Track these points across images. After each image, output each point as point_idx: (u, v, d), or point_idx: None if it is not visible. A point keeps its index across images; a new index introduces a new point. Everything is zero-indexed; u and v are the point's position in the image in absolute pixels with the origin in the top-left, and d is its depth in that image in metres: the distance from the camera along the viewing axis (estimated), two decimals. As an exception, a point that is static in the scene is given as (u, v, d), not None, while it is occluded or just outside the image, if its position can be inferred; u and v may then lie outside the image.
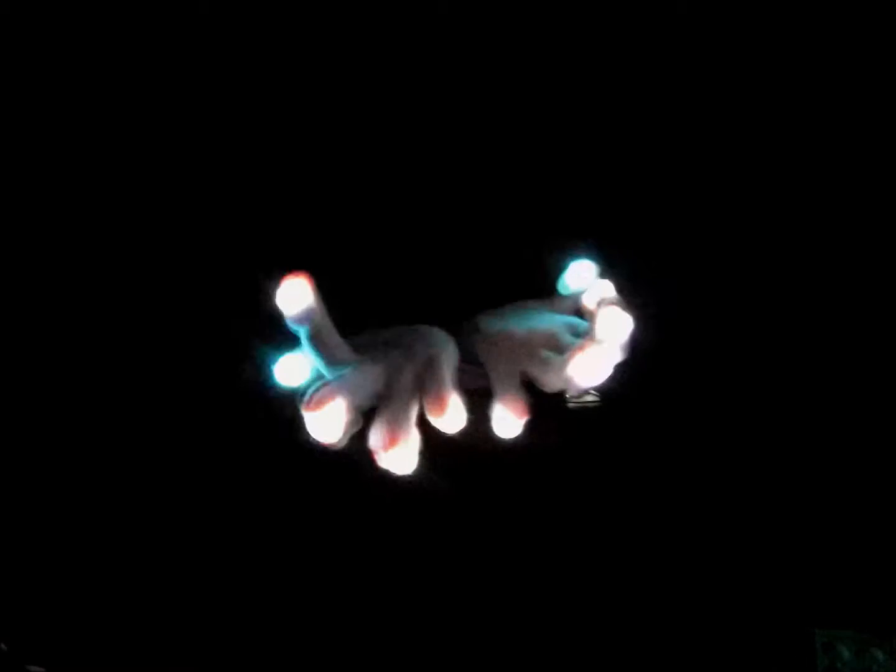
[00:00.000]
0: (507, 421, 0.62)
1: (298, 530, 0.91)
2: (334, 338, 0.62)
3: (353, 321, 0.75)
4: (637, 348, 0.70)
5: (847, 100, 1.07)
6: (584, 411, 0.96)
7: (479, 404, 0.64)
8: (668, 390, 0.96)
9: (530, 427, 0.66)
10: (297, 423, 0.60)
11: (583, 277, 0.73)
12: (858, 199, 1.05)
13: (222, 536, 0.92)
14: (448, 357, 0.64)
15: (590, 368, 0.62)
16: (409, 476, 0.62)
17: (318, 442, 0.60)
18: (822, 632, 0.87)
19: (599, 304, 0.65)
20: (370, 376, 0.62)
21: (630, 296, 0.70)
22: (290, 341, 0.63)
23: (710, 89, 1.09)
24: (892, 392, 0.97)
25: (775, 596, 0.89)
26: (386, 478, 0.63)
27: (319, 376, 0.62)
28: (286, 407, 0.63)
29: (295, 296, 0.59)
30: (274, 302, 0.60)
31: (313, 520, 0.91)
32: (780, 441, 0.97)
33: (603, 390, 0.71)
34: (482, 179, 1.02)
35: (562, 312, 0.73)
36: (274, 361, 0.66)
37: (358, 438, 0.62)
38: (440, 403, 0.59)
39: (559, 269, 0.76)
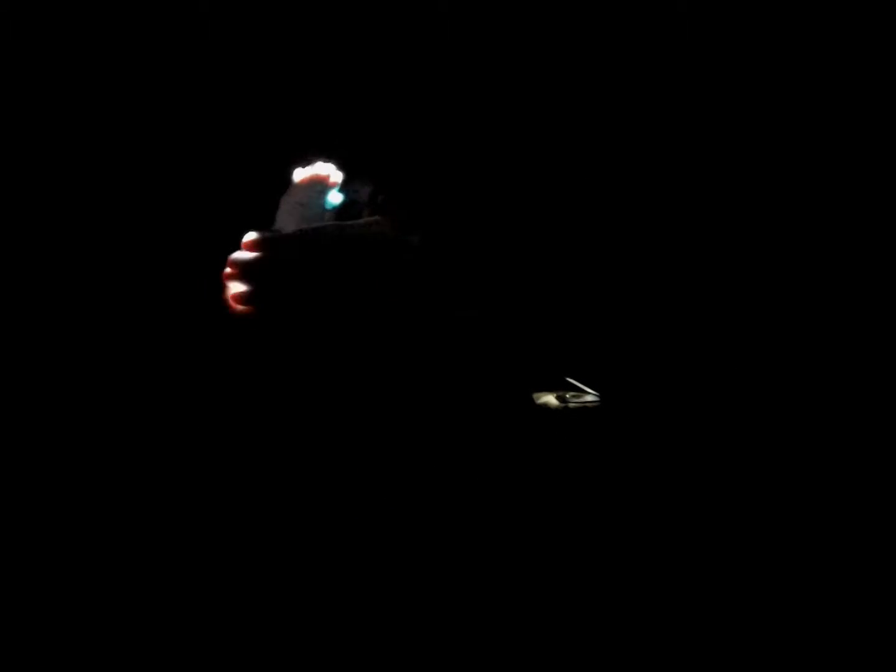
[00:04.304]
0: None
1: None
2: None
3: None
4: (636, 349, 0.70)
5: (846, 100, 1.07)
6: (584, 411, 0.96)
7: None
8: (668, 390, 0.96)
9: None
10: None
11: None
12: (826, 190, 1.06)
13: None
14: None
15: None
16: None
17: None
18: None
19: None
20: None
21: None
22: None
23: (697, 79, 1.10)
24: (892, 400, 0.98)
25: (774, 596, 0.90)
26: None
27: None
28: None
29: None
30: None
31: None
32: (779, 441, 0.97)
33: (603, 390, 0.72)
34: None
35: None
36: None
37: None
38: None
39: None
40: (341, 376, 0.91)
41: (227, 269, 0.83)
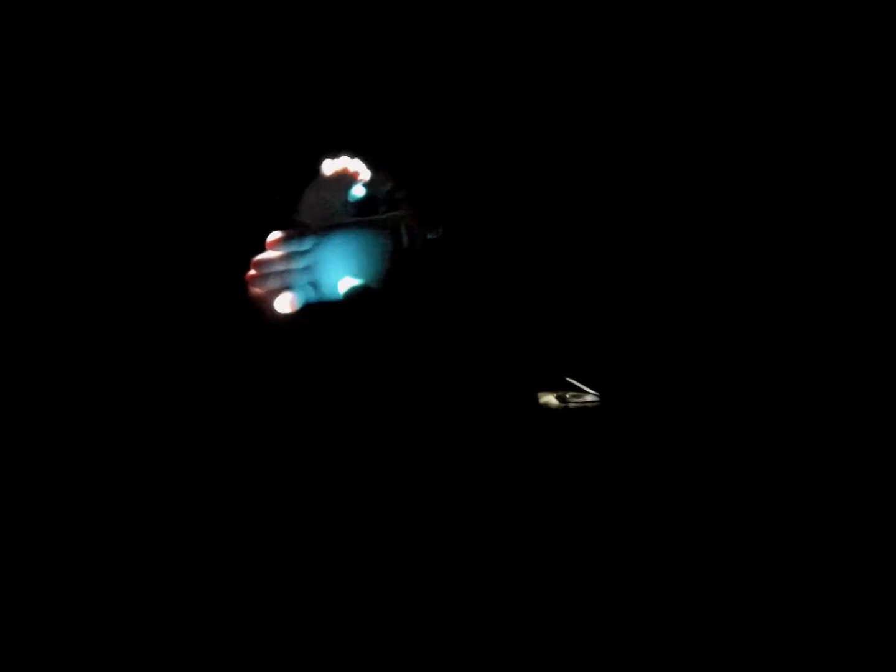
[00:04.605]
0: None
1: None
2: None
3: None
4: (636, 349, 0.70)
5: (845, 100, 1.07)
6: (584, 411, 0.96)
7: None
8: (668, 390, 0.96)
9: None
10: None
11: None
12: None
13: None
14: None
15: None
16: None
17: None
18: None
19: None
20: None
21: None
22: None
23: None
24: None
25: (773, 595, 0.90)
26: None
27: None
28: None
29: None
30: None
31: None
32: (779, 441, 0.97)
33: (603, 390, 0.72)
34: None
35: None
36: None
37: None
38: None
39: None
40: (352, 373, 0.91)
41: (252, 271, 0.83)
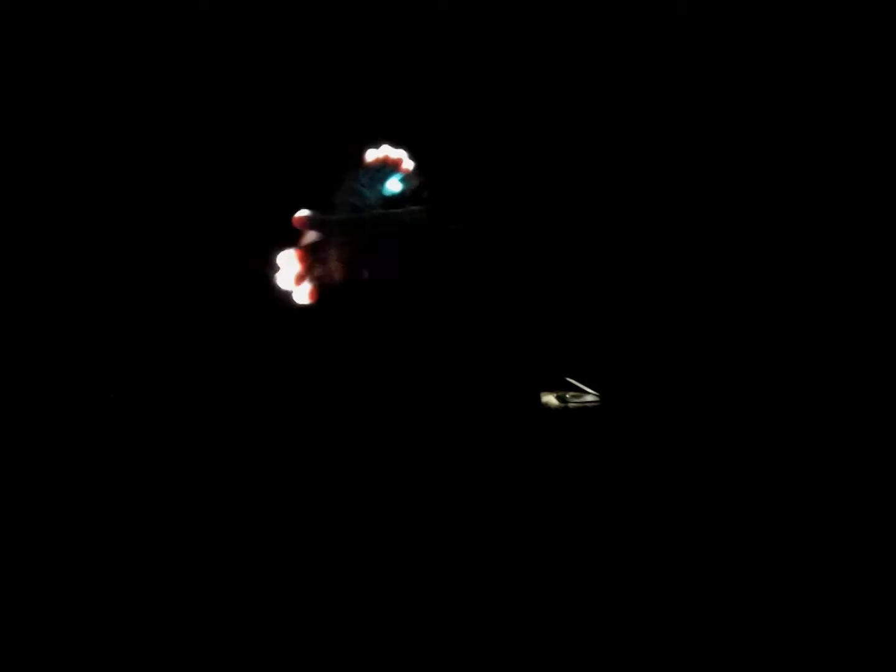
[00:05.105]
0: None
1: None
2: None
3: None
4: (636, 349, 0.70)
5: (844, 100, 1.07)
6: (584, 411, 0.96)
7: None
8: (667, 390, 0.96)
9: None
10: None
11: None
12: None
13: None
14: None
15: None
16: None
17: None
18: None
19: None
20: None
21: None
22: None
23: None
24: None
25: (773, 595, 0.90)
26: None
27: None
28: None
29: None
30: None
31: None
32: (779, 440, 0.97)
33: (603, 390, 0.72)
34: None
35: None
36: None
37: None
38: None
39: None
40: (357, 365, 0.92)
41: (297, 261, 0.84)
